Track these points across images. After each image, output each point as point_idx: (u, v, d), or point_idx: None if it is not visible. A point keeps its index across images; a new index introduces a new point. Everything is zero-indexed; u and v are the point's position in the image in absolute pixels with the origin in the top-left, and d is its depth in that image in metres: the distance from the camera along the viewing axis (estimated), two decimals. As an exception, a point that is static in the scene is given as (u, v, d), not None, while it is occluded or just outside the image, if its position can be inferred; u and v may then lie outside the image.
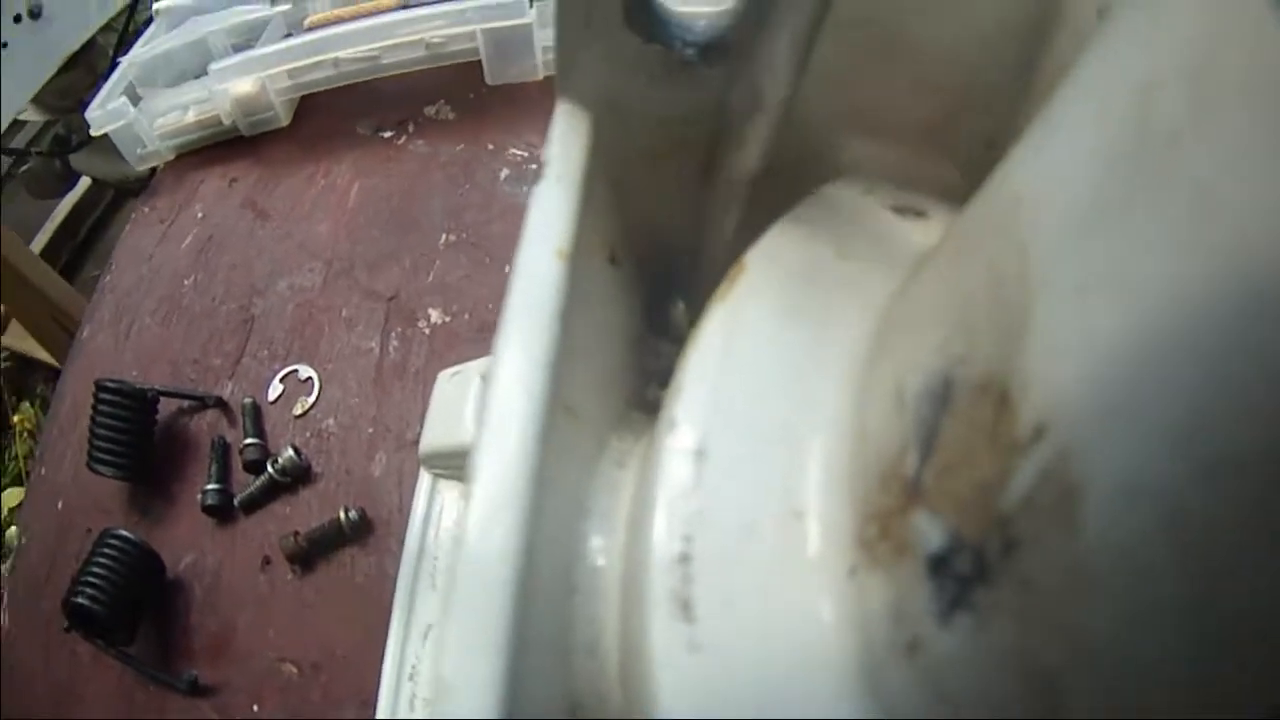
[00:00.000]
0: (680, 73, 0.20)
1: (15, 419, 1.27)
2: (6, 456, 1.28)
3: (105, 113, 0.58)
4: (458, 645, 0.14)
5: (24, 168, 1.38)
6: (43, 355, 1.31)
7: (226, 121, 0.57)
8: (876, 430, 0.16)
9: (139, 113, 0.58)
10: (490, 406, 0.16)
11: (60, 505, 0.47)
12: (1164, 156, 0.10)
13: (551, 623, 0.17)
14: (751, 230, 0.21)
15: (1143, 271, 0.10)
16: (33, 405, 1.31)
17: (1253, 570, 0.10)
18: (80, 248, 1.49)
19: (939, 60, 0.19)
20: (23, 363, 1.38)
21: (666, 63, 0.20)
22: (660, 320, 0.26)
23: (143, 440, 0.44)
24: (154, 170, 0.62)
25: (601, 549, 0.19)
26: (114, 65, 1.02)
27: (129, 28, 1.17)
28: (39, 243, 1.51)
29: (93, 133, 0.60)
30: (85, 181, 1.47)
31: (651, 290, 0.26)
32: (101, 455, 0.44)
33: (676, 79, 0.20)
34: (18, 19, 0.97)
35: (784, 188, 0.22)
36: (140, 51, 0.62)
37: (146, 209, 0.59)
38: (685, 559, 0.15)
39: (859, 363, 0.18)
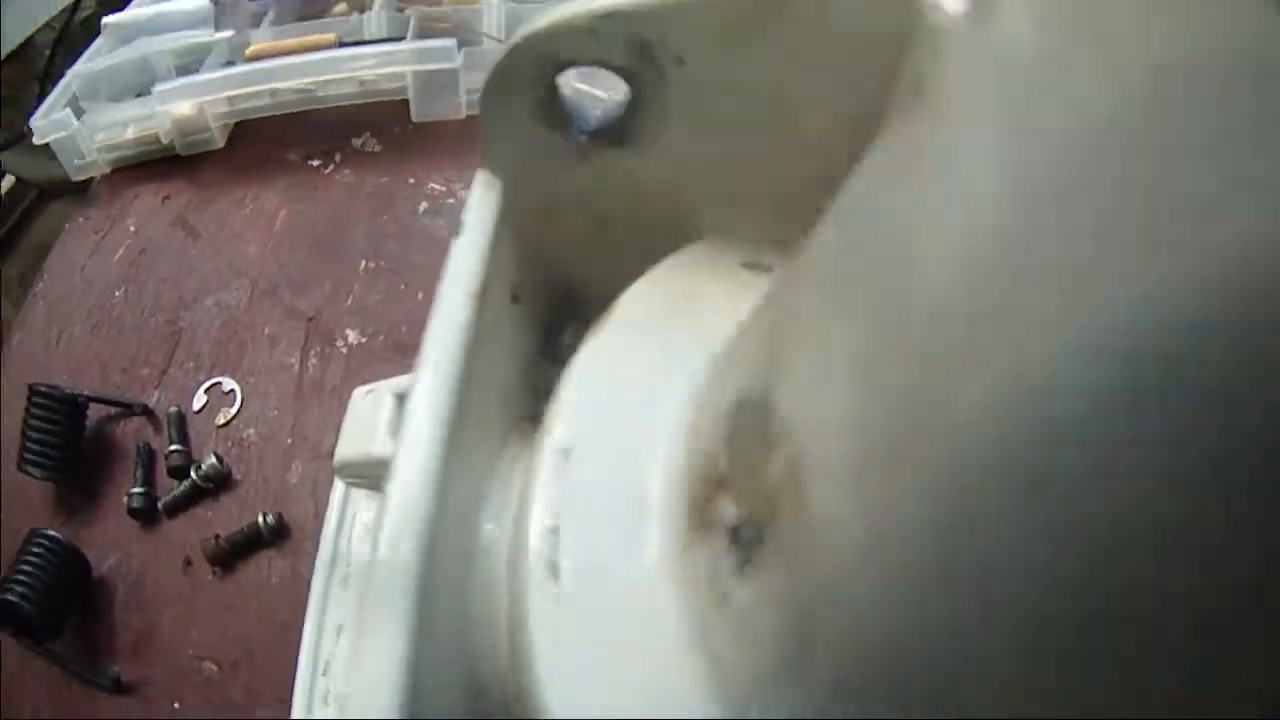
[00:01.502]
0: (576, 153, 0.26)
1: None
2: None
3: (49, 123, 0.60)
4: (367, 642, 0.18)
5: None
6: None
7: (165, 140, 0.60)
8: (704, 437, 0.21)
9: (81, 125, 0.60)
10: (408, 417, 0.21)
11: None
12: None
13: (452, 604, 0.22)
14: (630, 276, 0.27)
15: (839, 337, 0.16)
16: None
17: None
18: (2, 245, 1.47)
19: (784, 154, 0.24)
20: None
21: (565, 145, 0.25)
22: (553, 346, 0.31)
23: (72, 444, 0.46)
24: (89, 181, 0.64)
25: (492, 534, 0.24)
26: (53, 72, 1.03)
27: (68, 27, 1.17)
28: (-48, 240, 1.48)
29: (35, 141, 0.62)
30: (7, 180, 1.45)
31: (548, 320, 0.31)
32: (33, 457, 0.46)
33: (573, 158, 0.26)
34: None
35: (658, 243, 0.27)
36: (86, 65, 0.64)
37: (81, 219, 0.61)
38: (554, 531, 0.20)
39: (698, 386, 0.23)
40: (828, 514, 0.16)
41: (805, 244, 0.20)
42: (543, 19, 0.22)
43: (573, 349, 0.28)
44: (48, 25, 1.17)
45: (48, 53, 1.25)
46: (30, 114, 1.20)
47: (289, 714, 0.36)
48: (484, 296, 0.24)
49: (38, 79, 1.24)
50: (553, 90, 0.24)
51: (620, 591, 0.20)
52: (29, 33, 1.14)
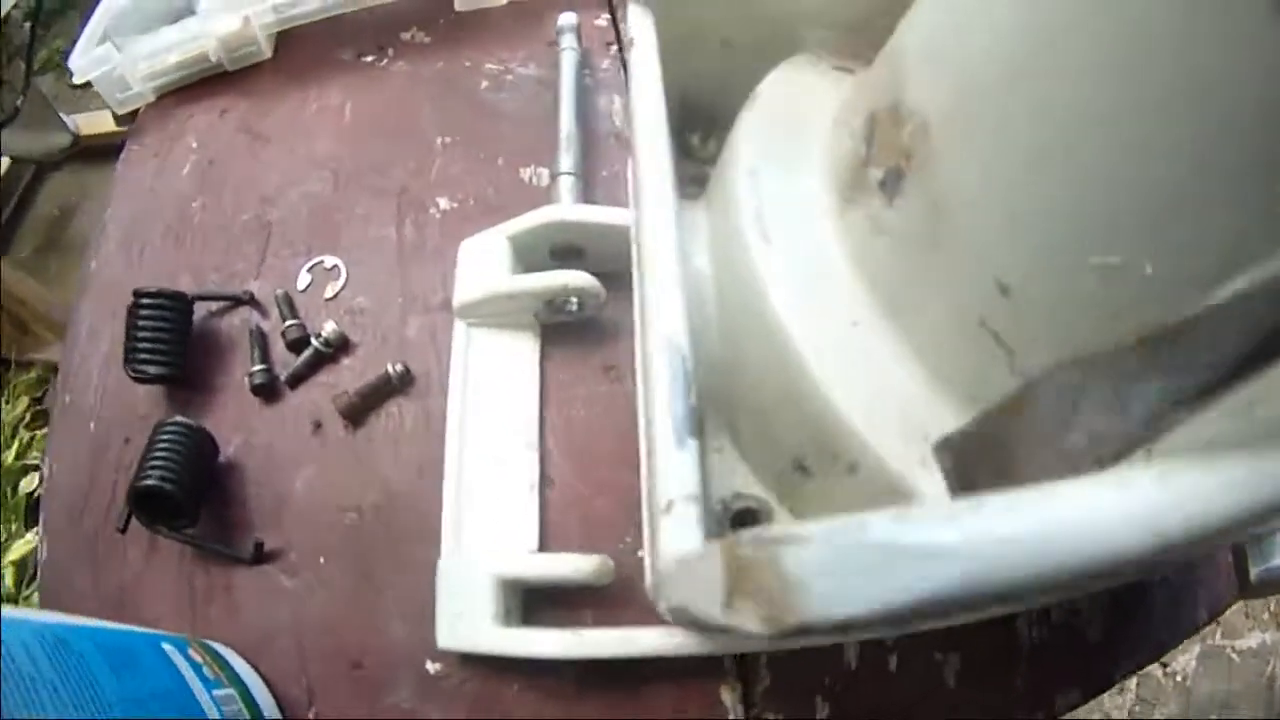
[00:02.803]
0: None
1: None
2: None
3: (89, 60, 0.62)
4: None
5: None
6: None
7: (213, 59, 0.63)
8: (845, 145, 0.27)
9: (123, 57, 0.63)
10: (641, 190, 0.27)
11: (92, 426, 0.51)
12: None
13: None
14: (741, 88, 0.34)
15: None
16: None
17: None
18: (5, 229, 1.51)
19: None
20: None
21: None
22: (684, 147, 0.36)
23: (183, 341, 0.50)
24: (134, 113, 0.67)
25: (701, 261, 0.29)
26: (35, 45, 1.05)
27: (41, 5, 1.20)
28: (-42, 228, 1.51)
29: (76, 80, 0.64)
30: (3, 162, 1.49)
31: (675, 125, 0.37)
32: (145, 358, 0.49)
33: None
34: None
35: (766, 60, 0.35)
36: (115, 1, 0.66)
37: (136, 147, 0.63)
38: (760, 216, 0.25)
39: (827, 125, 0.29)
40: (945, 149, 0.23)
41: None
42: None
43: (702, 148, 0.34)
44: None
45: (27, 26, 1.28)
46: (24, 89, 1.23)
47: (435, 543, 0.41)
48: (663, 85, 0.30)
49: (20, 56, 1.27)
50: None
51: (805, 239, 0.25)
52: (4, 11, 1.16)
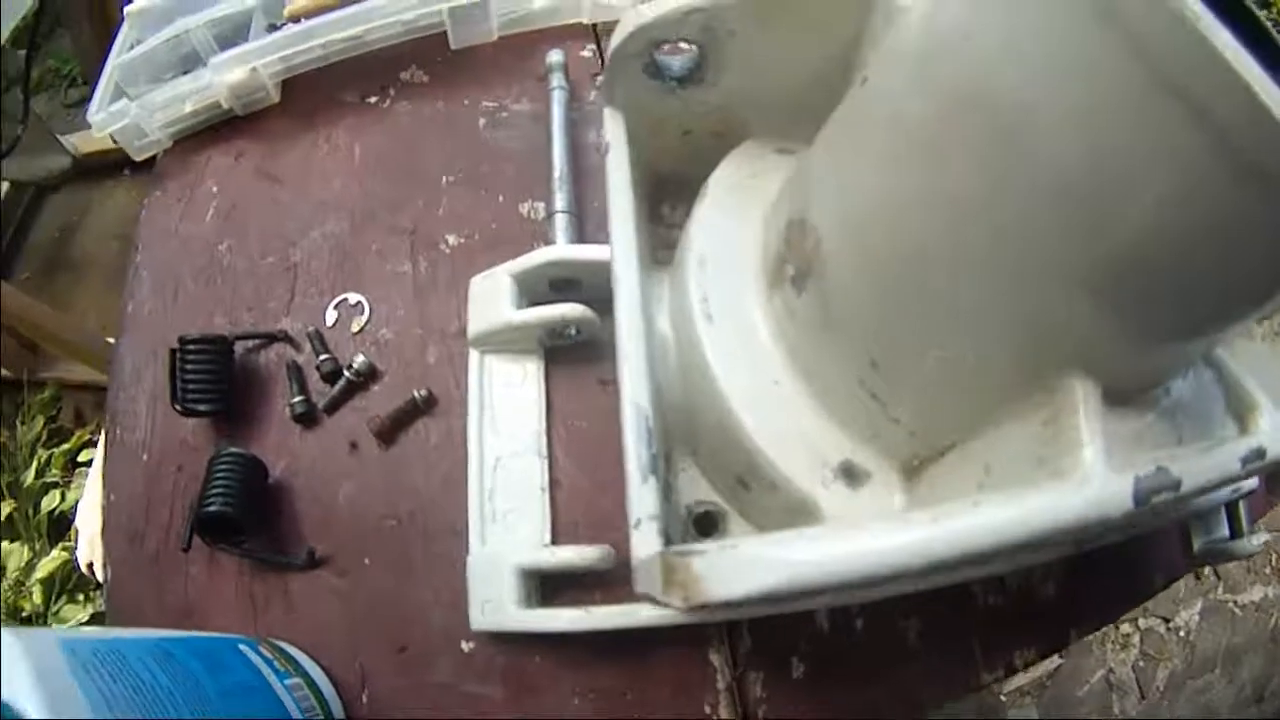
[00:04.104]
0: (668, 91, 0.43)
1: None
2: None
3: (108, 115, 0.70)
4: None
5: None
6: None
7: (225, 106, 0.72)
8: (770, 242, 0.37)
9: (139, 108, 0.72)
10: (614, 263, 0.36)
11: (145, 457, 0.60)
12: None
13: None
14: (703, 166, 0.44)
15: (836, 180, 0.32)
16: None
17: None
18: (8, 252, 1.61)
19: (799, 81, 0.40)
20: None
21: (661, 87, 0.43)
22: (656, 214, 0.46)
23: (227, 379, 0.58)
24: (153, 158, 0.76)
25: (661, 322, 0.39)
26: (32, 73, 1.13)
27: (37, 31, 1.29)
28: (-38, 255, 1.60)
29: (96, 133, 0.73)
30: (2, 188, 1.58)
31: (650, 198, 0.46)
32: (195, 397, 0.57)
33: (666, 94, 0.43)
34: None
35: (722, 143, 0.45)
36: (123, 55, 0.75)
37: (159, 192, 0.72)
38: (705, 300, 0.35)
39: (762, 219, 0.39)
40: (831, 263, 0.34)
41: (819, 136, 0.37)
42: (648, 12, 0.39)
43: (671, 215, 0.44)
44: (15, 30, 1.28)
45: (22, 53, 1.37)
46: (23, 118, 1.32)
47: (464, 540, 0.50)
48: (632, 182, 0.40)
49: (17, 84, 1.36)
50: (652, 55, 0.41)
51: (739, 319, 0.36)
52: (2, 39, 1.25)
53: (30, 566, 1.28)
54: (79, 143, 1.45)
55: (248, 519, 0.54)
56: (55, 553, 1.29)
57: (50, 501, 1.34)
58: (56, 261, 1.57)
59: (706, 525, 0.43)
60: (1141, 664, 1.28)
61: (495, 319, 0.52)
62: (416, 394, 0.55)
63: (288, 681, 0.48)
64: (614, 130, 0.41)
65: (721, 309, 0.37)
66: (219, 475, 0.54)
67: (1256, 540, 0.47)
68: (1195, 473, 0.30)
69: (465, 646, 0.50)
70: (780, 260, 0.36)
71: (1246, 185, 0.24)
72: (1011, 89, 0.26)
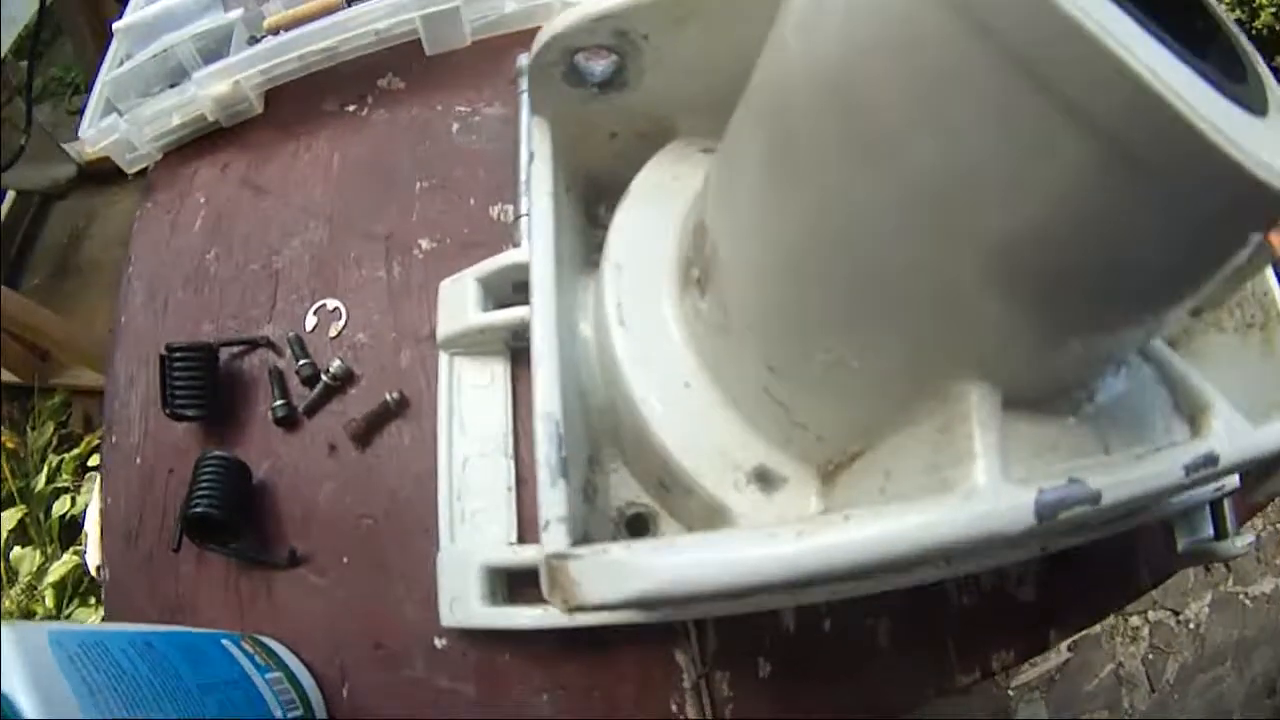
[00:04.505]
0: (591, 97, 0.44)
1: (-3, 440, 1.44)
2: (-7, 481, 1.45)
3: (98, 131, 0.73)
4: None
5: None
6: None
7: (210, 118, 0.75)
8: (685, 244, 0.38)
9: (129, 123, 0.75)
10: (532, 267, 0.38)
11: (139, 460, 0.63)
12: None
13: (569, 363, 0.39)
14: (633, 167, 0.46)
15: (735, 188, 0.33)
16: (3, 425, 1.48)
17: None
18: (16, 260, 1.65)
19: (716, 81, 0.42)
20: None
21: (583, 93, 0.44)
22: (593, 216, 0.47)
23: (213, 384, 0.61)
24: (144, 170, 0.79)
25: (583, 326, 0.41)
26: (34, 83, 1.16)
27: (37, 43, 1.32)
28: (-29, 265, 1.64)
29: (88, 150, 0.76)
30: (8, 197, 1.62)
31: (587, 201, 0.48)
32: (183, 403, 0.60)
33: (590, 100, 0.45)
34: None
35: (648, 144, 0.47)
36: (113, 72, 0.78)
37: (150, 205, 0.75)
38: (619, 305, 0.37)
39: (680, 219, 0.40)
40: (725, 267, 0.36)
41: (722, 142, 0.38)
42: (561, 22, 0.40)
43: (607, 216, 0.46)
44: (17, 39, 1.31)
45: (23, 65, 1.41)
46: (26, 127, 1.35)
47: (435, 538, 0.52)
48: (555, 193, 0.41)
49: (18, 93, 1.40)
50: (571, 62, 0.42)
51: (651, 322, 0.38)
52: (3, 51, 1.28)
53: (42, 571, 1.31)
54: (84, 150, 1.48)
55: (232, 519, 0.56)
56: (66, 557, 1.33)
57: (61, 506, 1.38)
58: (64, 268, 1.61)
59: (638, 526, 0.45)
60: (1151, 657, 1.29)
61: (462, 322, 0.54)
62: (389, 397, 0.58)
63: (269, 676, 0.50)
64: (539, 139, 0.42)
65: (635, 313, 0.38)
66: (204, 478, 0.57)
67: (1241, 541, 0.46)
68: (1121, 484, 0.28)
69: (438, 643, 0.53)
70: (688, 263, 0.38)
71: (1123, 175, 0.22)
72: (865, 86, 0.26)
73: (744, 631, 0.51)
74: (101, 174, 1.55)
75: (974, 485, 0.27)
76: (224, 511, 0.56)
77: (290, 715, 0.50)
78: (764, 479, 0.35)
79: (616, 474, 0.42)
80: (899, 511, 0.27)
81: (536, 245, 0.38)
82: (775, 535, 0.27)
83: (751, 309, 0.34)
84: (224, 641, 0.51)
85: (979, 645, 0.50)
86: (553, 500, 0.33)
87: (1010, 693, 1.27)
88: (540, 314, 0.36)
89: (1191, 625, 1.31)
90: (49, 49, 1.62)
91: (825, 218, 0.29)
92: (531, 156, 0.41)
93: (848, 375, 0.32)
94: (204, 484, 0.57)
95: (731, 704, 0.50)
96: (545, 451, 0.33)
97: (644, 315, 0.39)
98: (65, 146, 1.46)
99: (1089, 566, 0.51)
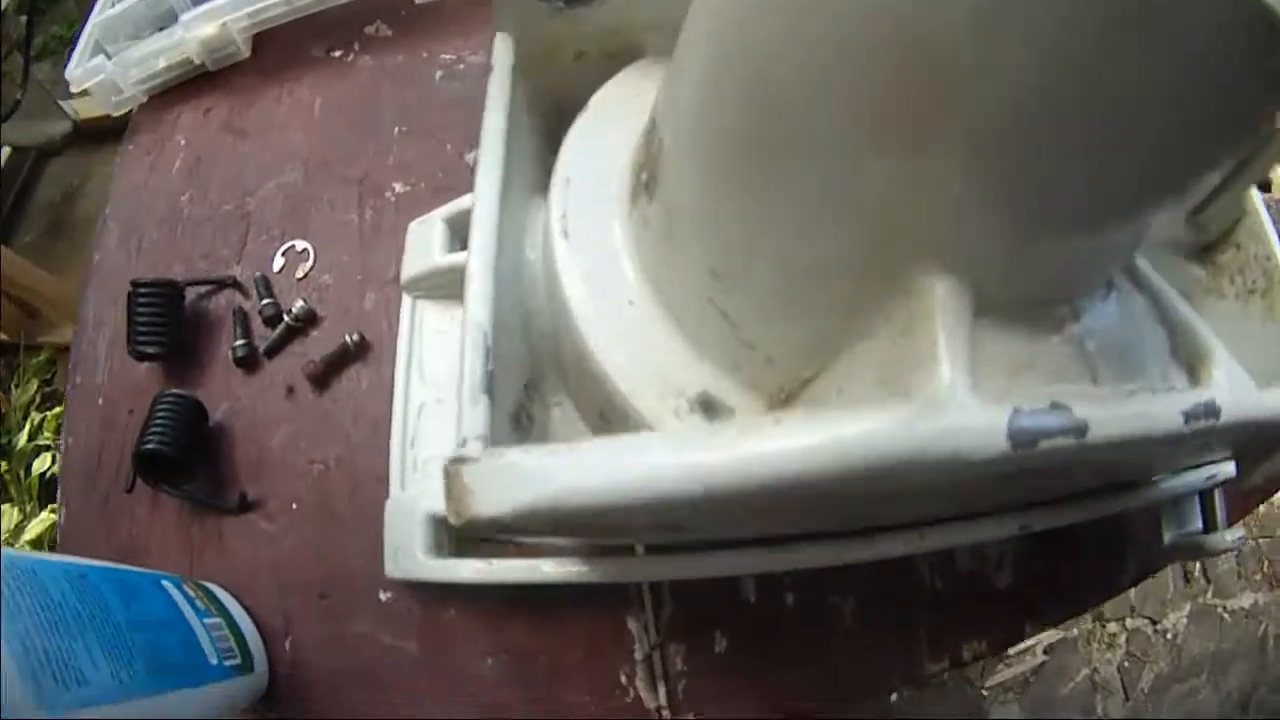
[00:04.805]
0: (558, 12, 0.43)
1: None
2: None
3: (84, 71, 0.72)
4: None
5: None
6: (-10, 335, 1.46)
7: (196, 61, 0.73)
8: (636, 150, 0.36)
9: (115, 65, 0.74)
10: (476, 185, 0.35)
11: (100, 401, 0.62)
12: None
13: (513, 289, 0.37)
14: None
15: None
16: (-11, 386, 1.47)
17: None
18: (9, 217, 1.64)
19: None
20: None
21: (550, 8, 0.42)
22: (555, 143, 0.46)
23: (175, 323, 0.60)
24: (128, 114, 0.78)
25: (530, 252, 0.39)
26: (33, 37, 1.16)
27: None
28: (-37, 220, 1.63)
29: (74, 89, 0.74)
30: (3, 152, 1.62)
31: (550, 126, 0.46)
32: (144, 340, 0.59)
33: (556, 16, 0.43)
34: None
35: (615, 64, 0.44)
36: (103, 14, 0.77)
37: (131, 147, 0.74)
38: (564, 217, 0.35)
39: (636, 130, 0.37)
40: (670, 164, 0.33)
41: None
42: None
43: None
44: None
45: (23, 19, 1.40)
46: (23, 82, 1.35)
47: (386, 487, 0.51)
48: (511, 108, 0.39)
49: (18, 48, 1.39)
50: None
51: (596, 235, 0.36)
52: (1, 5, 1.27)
53: (19, 528, 1.30)
54: (80, 108, 1.48)
55: (185, 459, 0.55)
56: (44, 515, 1.31)
57: (41, 464, 1.37)
58: (58, 225, 1.60)
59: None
60: (1127, 664, 1.27)
61: (427, 263, 0.53)
62: (349, 338, 0.56)
63: (207, 621, 0.49)
64: (500, 52, 0.40)
65: (580, 225, 0.36)
66: (159, 416, 0.56)
67: (1231, 535, 0.44)
68: (1112, 419, 0.24)
69: (383, 596, 0.51)
70: (639, 168, 0.35)
71: (1122, 30, 0.20)
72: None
73: (701, 600, 0.48)
74: (97, 132, 1.54)
75: (935, 393, 0.23)
76: (175, 449, 0.54)
77: (226, 663, 0.48)
78: (708, 407, 0.32)
79: (560, 408, 0.40)
80: (842, 418, 0.22)
81: (484, 153, 0.36)
82: (690, 439, 0.23)
83: (693, 205, 0.32)
84: (164, 583, 0.49)
85: (951, 632, 0.48)
86: (473, 417, 0.30)
87: (984, 693, 1.25)
88: (481, 218, 0.34)
89: (1169, 635, 1.29)
90: (51, 6, 1.61)
91: (768, 63, 0.26)
92: (491, 69, 0.39)
93: (796, 274, 0.29)
94: (158, 422, 0.55)
95: (685, 679, 0.47)
96: (470, 363, 0.31)
97: (591, 228, 0.36)
98: (62, 104, 1.46)
99: (1071, 555, 0.49)
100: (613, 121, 0.39)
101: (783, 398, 0.32)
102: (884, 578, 0.47)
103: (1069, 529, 0.43)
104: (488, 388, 0.31)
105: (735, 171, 0.29)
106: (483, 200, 0.35)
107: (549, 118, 0.44)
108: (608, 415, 0.34)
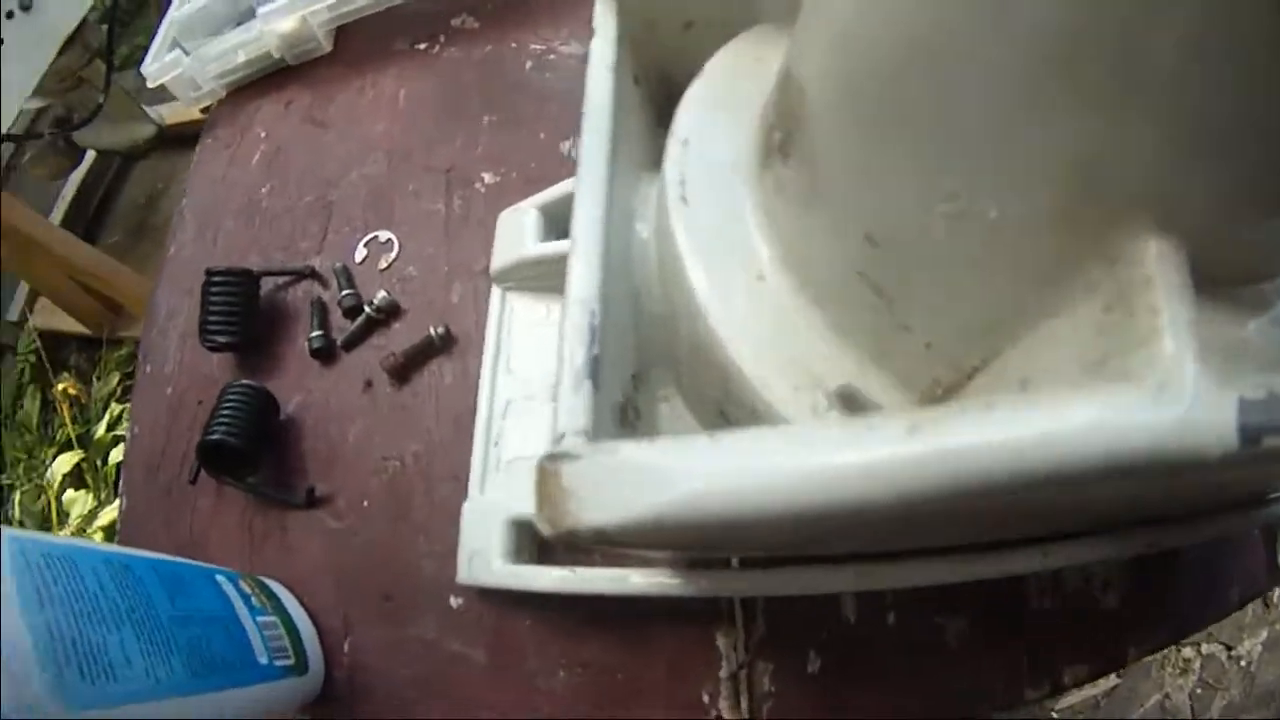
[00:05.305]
0: None
1: (59, 387, 1.44)
2: (54, 426, 1.45)
3: (160, 66, 0.70)
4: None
5: (28, 154, 1.53)
6: (71, 326, 1.47)
7: (276, 55, 0.71)
8: (766, 107, 0.31)
9: (193, 60, 0.71)
10: (579, 157, 0.31)
11: (169, 391, 0.60)
12: None
13: (624, 267, 0.32)
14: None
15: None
16: (70, 374, 1.48)
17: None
18: (95, 217, 1.66)
19: None
20: (53, 339, 1.54)
21: None
22: (666, 118, 0.41)
23: (250, 313, 0.57)
24: (208, 109, 0.76)
25: (641, 229, 0.34)
26: (114, 44, 1.15)
27: (116, 5, 1.31)
28: (54, 220, 1.67)
29: (150, 84, 0.72)
30: (89, 156, 1.63)
31: (659, 100, 0.41)
32: (216, 329, 0.56)
33: None
34: (10, 15, 1.11)
35: (734, 30, 0.39)
36: (180, 10, 0.74)
37: (210, 140, 0.72)
38: (683, 182, 0.30)
39: (765, 93, 0.33)
40: (815, 113, 0.27)
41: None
42: None
43: None
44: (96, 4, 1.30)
45: (104, 28, 1.40)
46: (105, 87, 1.34)
47: (464, 487, 0.47)
48: (616, 79, 0.35)
49: (99, 56, 1.39)
50: None
51: (721, 199, 0.31)
52: (80, 15, 1.27)
53: (92, 515, 1.30)
54: (166, 113, 1.48)
55: (252, 451, 0.52)
56: (118, 503, 1.31)
57: (118, 454, 1.37)
58: (141, 227, 1.61)
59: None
60: (1199, 691, 1.18)
61: (518, 253, 0.49)
62: (434, 331, 0.52)
63: (261, 619, 0.45)
64: (603, 15, 0.36)
65: (701, 192, 0.31)
66: (226, 406, 0.53)
67: None
68: None
69: (453, 602, 0.47)
70: (770, 129, 0.30)
71: None
72: None
73: (797, 618, 0.43)
74: (181, 136, 1.54)
75: (1169, 374, 0.18)
76: (242, 440, 0.51)
77: (278, 663, 0.44)
78: (850, 403, 0.27)
79: (667, 403, 0.35)
80: (1063, 405, 0.17)
81: (588, 123, 0.32)
82: (876, 430, 0.18)
83: (848, 153, 0.26)
84: (219, 578, 0.46)
85: (1053, 655, 0.42)
86: (574, 407, 0.25)
87: (1054, 715, 1.17)
88: (586, 188, 0.30)
89: (1243, 662, 1.20)
90: (135, 18, 1.62)
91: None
92: (594, 32, 0.35)
93: (978, 234, 0.23)
94: (225, 412, 0.52)
95: (771, 700, 0.42)
96: (572, 347, 0.26)
97: (714, 195, 0.31)
98: (148, 109, 1.46)
99: (1178, 578, 0.44)
100: (734, 84, 0.35)
101: (939, 393, 0.27)
102: (990, 597, 0.42)
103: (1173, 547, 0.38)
104: (592, 373, 0.26)
105: (909, 114, 0.24)
106: (588, 168, 0.31)
107: (656, 93, 0.40)
108: (728, 412, 0.29)
